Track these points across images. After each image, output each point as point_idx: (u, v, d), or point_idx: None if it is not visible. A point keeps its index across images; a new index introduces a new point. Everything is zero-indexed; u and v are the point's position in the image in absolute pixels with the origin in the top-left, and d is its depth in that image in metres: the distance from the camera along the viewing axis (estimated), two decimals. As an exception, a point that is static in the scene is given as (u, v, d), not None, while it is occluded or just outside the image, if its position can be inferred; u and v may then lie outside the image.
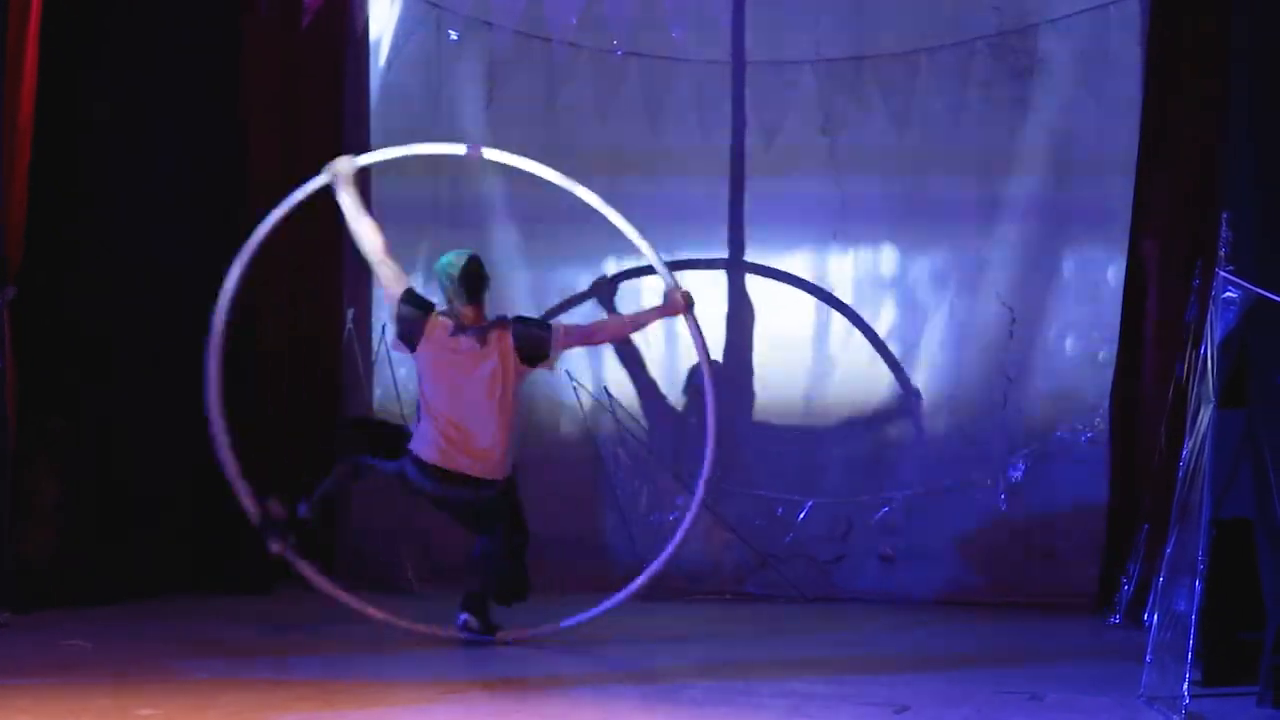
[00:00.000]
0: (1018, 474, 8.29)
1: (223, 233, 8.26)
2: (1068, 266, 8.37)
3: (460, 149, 7.66)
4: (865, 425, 8.51)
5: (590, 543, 8.73)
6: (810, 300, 8.64)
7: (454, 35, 8.96)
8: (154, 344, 8.02)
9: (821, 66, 8.53)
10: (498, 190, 8.82)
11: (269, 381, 8.58)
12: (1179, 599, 5.61)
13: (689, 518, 7.05)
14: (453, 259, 6.90)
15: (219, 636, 6.91)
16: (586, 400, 8.70)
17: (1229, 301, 5.65)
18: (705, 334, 7.14)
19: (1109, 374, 7.99)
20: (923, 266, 8.52)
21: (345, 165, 6.97)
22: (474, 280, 6.87)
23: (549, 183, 7.20)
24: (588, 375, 8.77)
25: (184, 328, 8.14)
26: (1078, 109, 8.33)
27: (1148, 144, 7.79)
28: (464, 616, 6.87)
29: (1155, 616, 5.79)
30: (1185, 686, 5.45)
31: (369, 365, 8.81)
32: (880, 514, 8.44)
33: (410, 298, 6.82)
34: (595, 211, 7.18)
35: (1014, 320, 8.36)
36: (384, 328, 8.43)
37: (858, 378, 8.53)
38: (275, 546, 6.83)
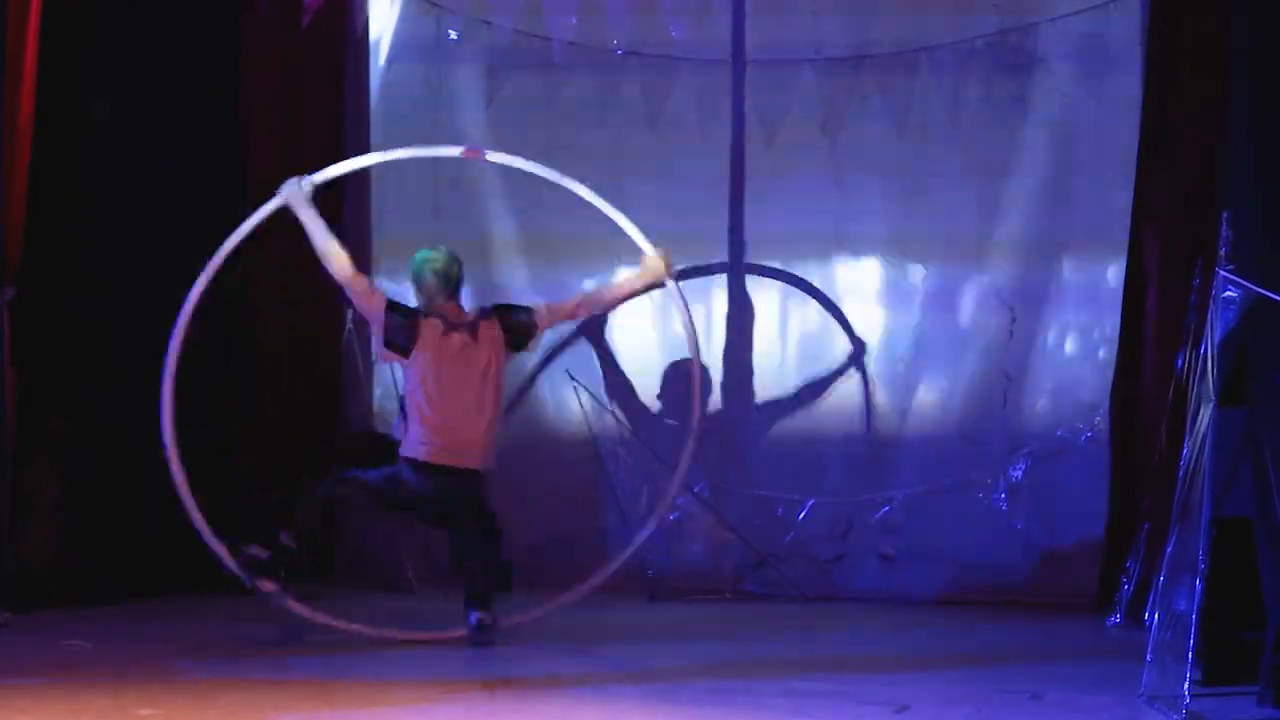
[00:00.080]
0: (1018, 473, 8.28)
1: (223, 233, 8.24)
2: (1068, 266, 8.36)
3: (406, 153, 7.48)
4: (865, 424, 8.50)
5: (590, 542, 8.72)
6: (810, 299, 8.63)
7: (454, 34, 8.96)
8: (154, 344, 7.99)
9: (821, 65, 8.53)
10: (497, 184, 8.81)
11: (269, 381, 8.59)
12: (1179, 598, 5.61)
13: (667, 501, 7.21)
14: (432, 255, 6.88)
15: (219, 636, 6.91)
16: (587, 400, 8.70)
17: (1229, 301, 5.65)
18: (687, 300, 7.22)
19: (1109, 373, 7.98)
20: (923, 265, 8.51)
21: (294, 188, 6.90)
22: (456, 276, 6.88)
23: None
24: (588, 375, 8.76)
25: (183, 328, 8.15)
26: (1078, 108, 8.33)
27: (1148, 144, 7.78)
28: (476, 615, 6.82)
29: (1155, 616, 5.79)
30: (1186, 686, 5.44)
31: (369, 365, 8.81)
32: (880, 513, 8.44)
33: (395, 306, 6.83)
34: (593, 207, 7.20)
35: (1014, 320, 8.35)
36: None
37: (858, 376, 8.52)
38: (268, 585, 6.72)
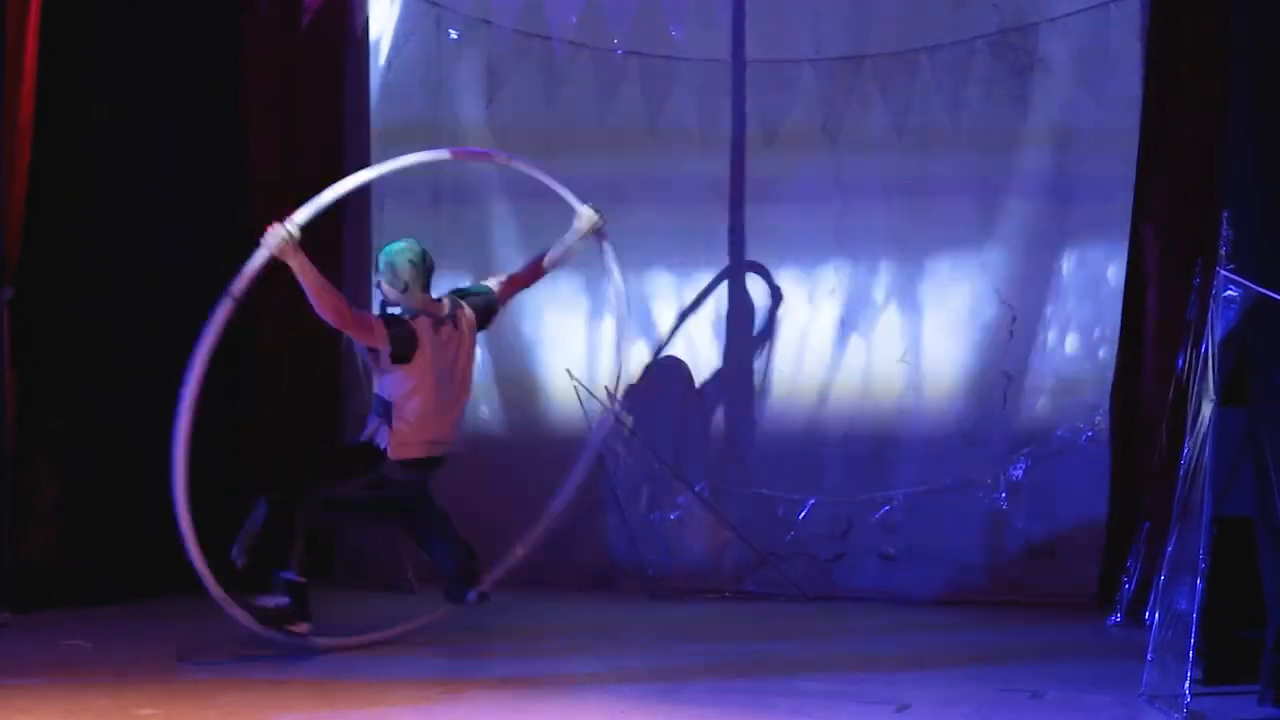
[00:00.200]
0: (1018, 473, 8.28)
1: (223, 233, 8.27)
2: (1068, 265, 8.35)
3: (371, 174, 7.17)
4: (866, 424, 8.49)
5: (590, 541, 8.72)
6: (810, 299, 8.63)
7: (454, 34, 8.96)
8: (154, 344, 8.01)
9: (822, 65, 8.53)
10: (495, 178, 8.81)
11: (269, 381, 8.59)
12: (1180, 597, 5.62)
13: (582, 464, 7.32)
14: (406, 245, 6.78)
15: (219, 636, 6.90)
16: (586, 399, 8.69)
17: (1230, 300, 5.65)
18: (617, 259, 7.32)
19: (1110, 373, 7.98)
20: (923, 265, 8.51)
21: (281, 237, 6.43)
22: (431, 264, 6.82)
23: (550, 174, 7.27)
24: (589, 374, 8.76)
25: (184, 328, 8.14)
26: (1078, 108, 8.31)
27: (1148, 144, 7.78)
28: (475, 593, 6.85)
29: (1156, 615, 5.80)
30: (1186, 685, 5.45)
31: (369, 365, 8.80)
32: (880, 513, 8.44)
33: (390, 321, 6.71)
34: (596, 203, 7.24)
35: (1014, 319, 8.35)
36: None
37: (858, 376, 8.52)
38: (301, 629, 6.53)
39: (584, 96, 8.78)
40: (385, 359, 6.69)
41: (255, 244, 8.33)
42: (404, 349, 6.68)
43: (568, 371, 8.74)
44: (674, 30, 8.65)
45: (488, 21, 8.87)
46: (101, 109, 7.78)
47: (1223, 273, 5.67)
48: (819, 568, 8.47)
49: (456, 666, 6.46)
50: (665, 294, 8.81)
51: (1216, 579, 5.62)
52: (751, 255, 8.69)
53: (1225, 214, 5.71)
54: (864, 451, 8.50)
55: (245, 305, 8.34)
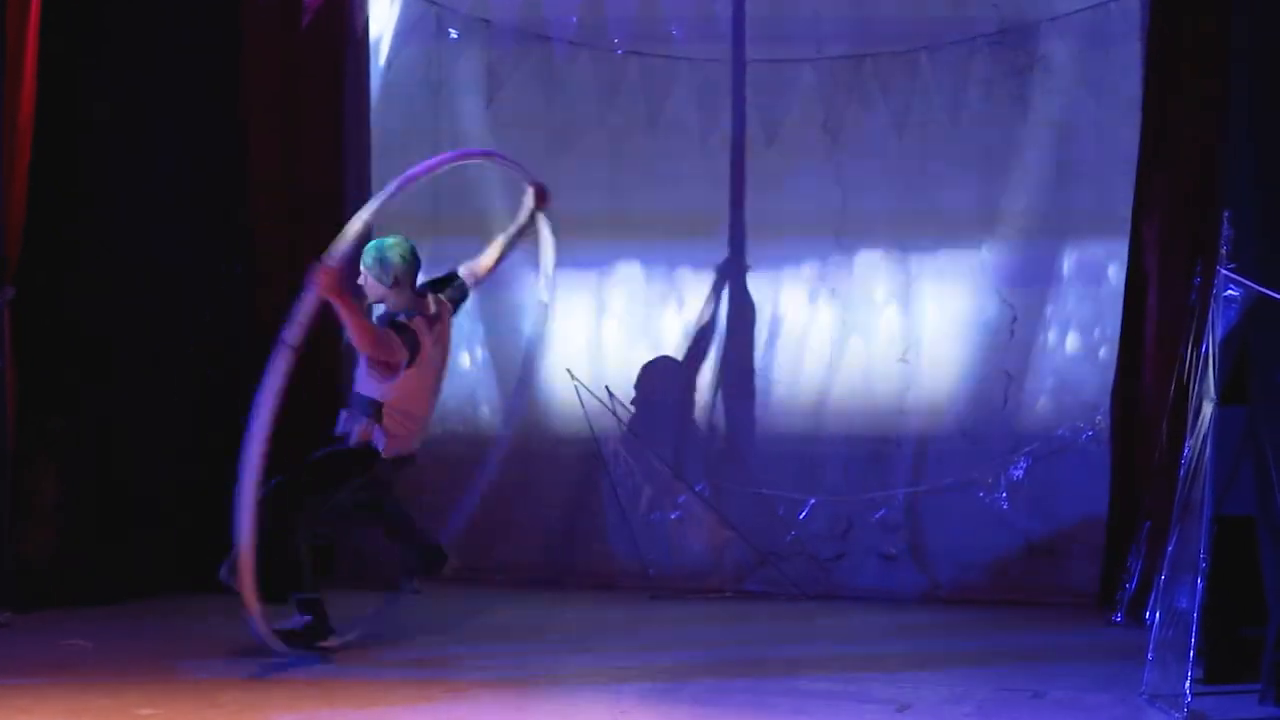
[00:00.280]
0: (1019, 472, 8.28)
1: (222, 232, 8.28)
2: (1068, 264, 8.35)
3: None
4: (866, 424, 8.49)
5: (591, 541, 8.72)
6: (811, 298, 8.63)
7: (454, 34, 8.96)
8: (154, 344, 8.03)
9: (822, 65, 8.52)
10: (496, 178, 8.81)
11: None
12: (1181, 596, 5.62)
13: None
14: (401, 241, 6.64)
15: (219, 636, 6.90)
16: (587, 398, 8.70)
17: (1230, 299, 5.65)
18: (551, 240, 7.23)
19: (1110, 372, 7.97)
20: (924, 264, 8.50)
21: (327, 277, 6.18)
22: (419, 264, 6.72)
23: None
24: (589, 374, 8.76)
25: (184, 327, 8.16)
26: (1078, 107, 8.32)
27: (1148, 144, 7.77)
28: (415, 584, 6.99)
29: (1157, 614, 5.80)
30: (1187, 684, 5.45)
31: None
32: (881, 512, 8.44)
33: (397, 327, 6.57)
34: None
35: (1015, 318, 8.35)
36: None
37: (859, 376, 8.52)
38: (331, 644, 6.51)
39: (584, 96, 8.78)
40: (403, 369, 6.56)
41: (254, 244, 8.39)
42: (414, 353, 6.61)
43: (568, 371, 8.74)
44: (674, 30, 8.65)
45: (488, 21, 8.87)
46: (101, 109, 7.78)
47: (1223, 272, 5.67)
48: (819, 567, 8.46)
49: (457, 666, 6.45)
50: (665, 293, 8.80)
51: (1217, 578, 5.62)
52: (752, 255, 8.69)
53: (1226, 213, 5.71)
54: (864, 451, 8.50)
55: (245, 304, 8.40)
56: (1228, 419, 5.70)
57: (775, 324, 8.66)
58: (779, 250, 8.67)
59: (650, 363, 8.76)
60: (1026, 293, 8.34)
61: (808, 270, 8.66)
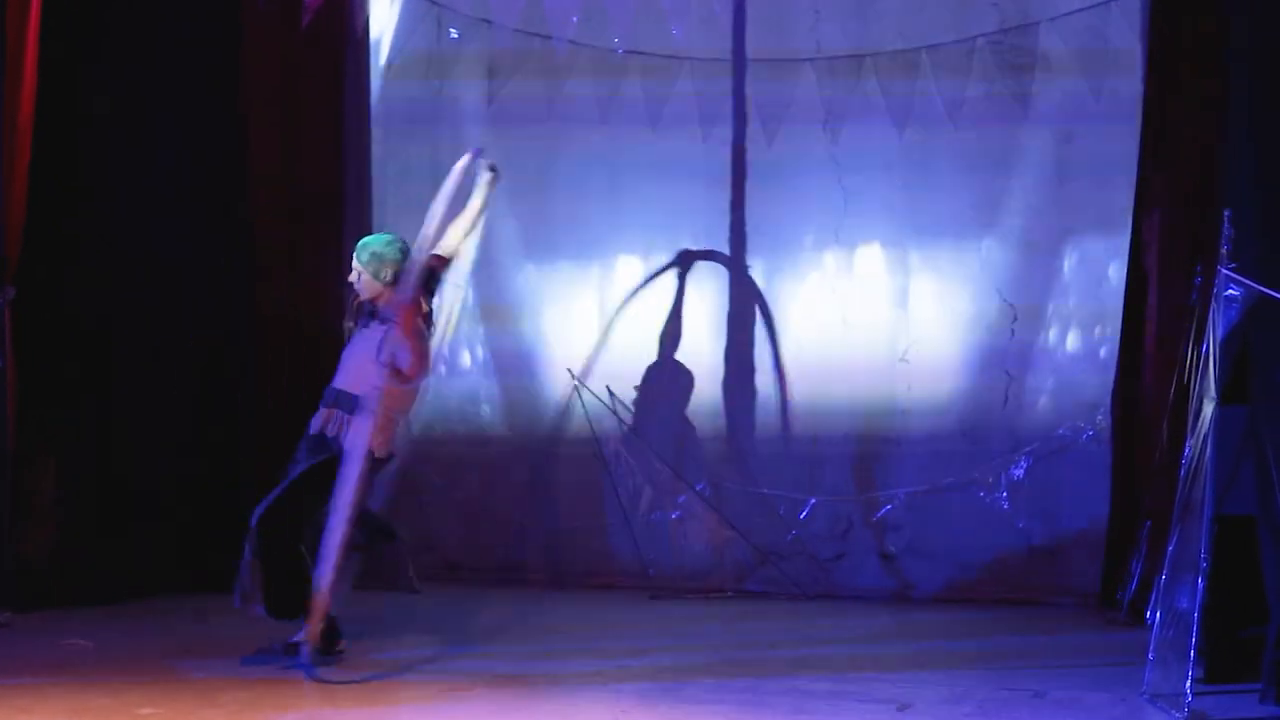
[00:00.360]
0: (1019, 472, 8.28)
1: (222, 227, 8.28)
2: (1069, 264, 8.36)
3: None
4: (866, 423, 8.49)
5: (591, 540, 8.72)
6: (811, 297, 8.63)
7: (454, 33, 8.96)
8: (154, 339, 8.03)
9: (822, 64, 8.53)
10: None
11: (269, 376, 8.57)
12: (1181, 596, 5.61)
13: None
14: (397, 238, 6.51)
15: (219, 635, 6.90)
16: (588, 399, 8.70)
17: (1231, 299, 5.65)
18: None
19: (1110, 371, 7.98)
20: (924, 264, 8.51)
21: (410, 314, 6.23)
22: None
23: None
24: (590, 374, 8.76)
25: (184, 322, 8.16)
26: (1078, 107, 8.32)
27: (1148, 144, 7.78)
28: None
29: (1158, 614, 5.79)
30: (1188, 684, 5.45)
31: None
32: (882, 512, 8.44)
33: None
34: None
35: (1015, 318, 8.35)
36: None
37: (859, 376, 8.52)
38: (340, 647, 6.42)
39: (585, 96, 8.77)
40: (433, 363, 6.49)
41: (254, 239, 8.37)
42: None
43: (569, 371, 8.74)
44: (675, 29, 8.65)
45: (488, 21, 8.87)
46: (101, 104, 7.78)
47: (1224, 271, 5.67)
48: (820, 567, 8.47)
49: (456, 666, 6.44)
50: (666, 293, 8.80)
51: (1218, 577, 5.62)
52: (752, 254, 8.69)
53: (1227, 213, 5.71)
54: (865, 450, 8.50)
55: (247, 303, 8.40)
56: (1228, 418, 5.70)
57: (775, 323, 8.66)
58: (779, 250, 8.67)
59: (651, 363, 8.76)
60: (1027, 292, 8.35)
61: (808, 270, 8.66)
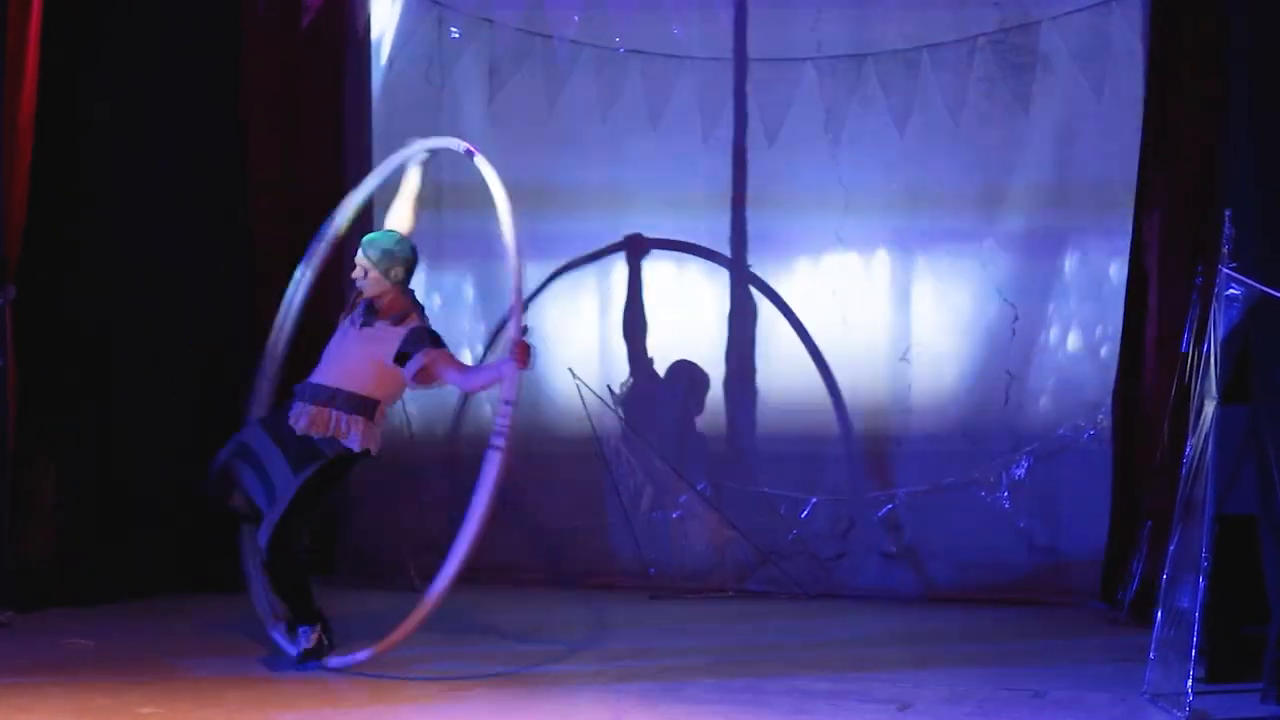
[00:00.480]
0: (1020, 471, 8.28)
1: (223, 232, 8.28)
2: (1070, 264, 8.35)
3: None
4: (867, 423, 8.49)
5: (591, 540, 8.72)
6: (812, 297, 8.63)
7: (455, 33, 8.95)
8: (154, 345, 8.02)
9: (823, 63, 8.52)
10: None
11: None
12: (1182, 595, 5.62)
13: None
14: (403, 236, 6.46)
15: (219, 635, 6.90)
16: (590, 398, 8.69)
17: (1232, 298, 5.65)
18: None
19: (1111, 371, 7.98)
20: (925, 263, 8.50)
21: (527, 352, 6.22)
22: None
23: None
24: (591, 373, 8.76)
25: (184, 327, 8.15)
26: (1078, 107, 8.32)
27: (1148, 144, 7.78)
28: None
29: (1159, 613, 5.79)
30: (1189, 683, 5.45)
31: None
32: (882, 512, 8.44)
33: (436, 338, 6.36)
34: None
35: (1016, 317, 8.35)
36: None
37: (860, 375, 8.52)
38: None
39: (586, 95, 8.77)
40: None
41: (254, 244, 8.36)
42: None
43: (570, 371, 8.74)
44: (676, 29, 8.64)
45: (490, 20, 8.87)
46: (101, 109, 7.77)
47: (1225, 271, 5.67)
48: (821, 566, 8.46)
49: (458, 665, 6.44)
50: (666, 293, 8.80)
51: (1219, 577, 5.62)
52: (753, 254, 8.69)
53: (1227, 213, 5.71)
54: (865, 450, 8.50)
55: (247, 309, 8.39)
56: (1229, 418, 5.70)
57: (776, 323, 8.65)
58: (779, 249, 8.67)
59: (652, 362, 8.76)
60: (1027, 292, 8.34)
61: (808, 269, 8.66)
